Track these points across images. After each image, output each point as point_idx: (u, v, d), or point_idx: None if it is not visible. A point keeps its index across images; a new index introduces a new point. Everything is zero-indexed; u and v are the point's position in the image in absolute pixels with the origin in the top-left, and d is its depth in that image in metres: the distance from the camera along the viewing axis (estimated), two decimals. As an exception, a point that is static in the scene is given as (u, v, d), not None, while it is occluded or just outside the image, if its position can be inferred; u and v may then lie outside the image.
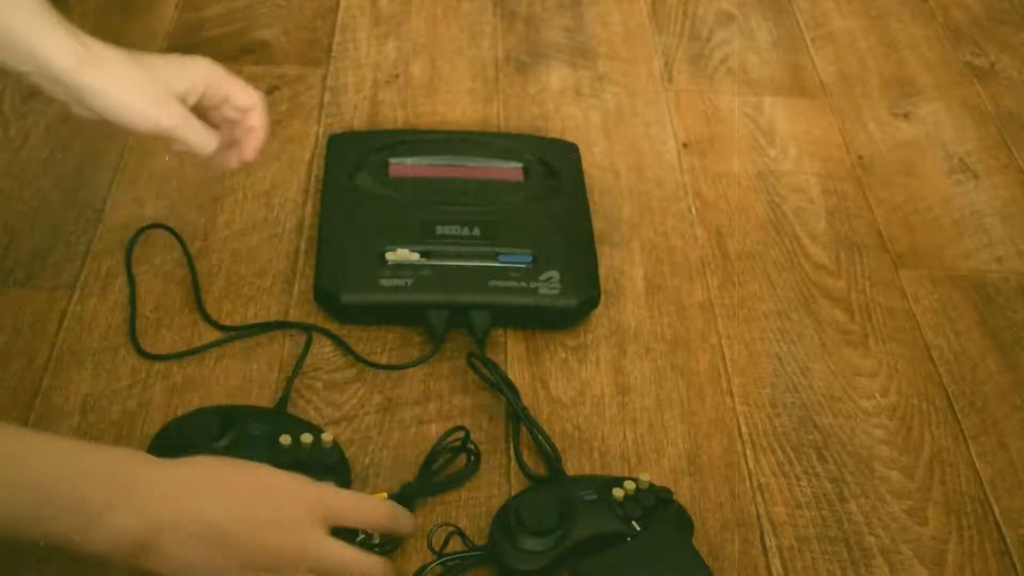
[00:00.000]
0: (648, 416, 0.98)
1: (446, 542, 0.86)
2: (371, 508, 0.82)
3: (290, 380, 0.96)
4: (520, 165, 1.14)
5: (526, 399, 0.97)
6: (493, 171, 1.13)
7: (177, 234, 1.07)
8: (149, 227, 1.08)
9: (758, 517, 0.91)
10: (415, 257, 1.02)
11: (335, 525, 0.78)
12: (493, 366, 0.96)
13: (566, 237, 1.07)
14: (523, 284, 1.01)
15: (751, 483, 0.93)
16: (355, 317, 1.01)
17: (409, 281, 1.00)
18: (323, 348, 1.00)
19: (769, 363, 1.03)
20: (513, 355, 1.01)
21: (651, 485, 0.88)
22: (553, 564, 0.84)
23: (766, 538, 0.90)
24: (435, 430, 0.94)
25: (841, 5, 1.51)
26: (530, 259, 1.03)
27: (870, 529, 0.91)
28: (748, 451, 0.96)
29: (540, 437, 0.93)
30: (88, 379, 0.96)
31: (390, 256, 1.02)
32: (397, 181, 1.11)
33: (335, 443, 0.89)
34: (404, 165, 1.12)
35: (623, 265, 1.11)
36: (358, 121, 1.25)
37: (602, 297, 1.05)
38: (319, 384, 0.97)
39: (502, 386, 0.95)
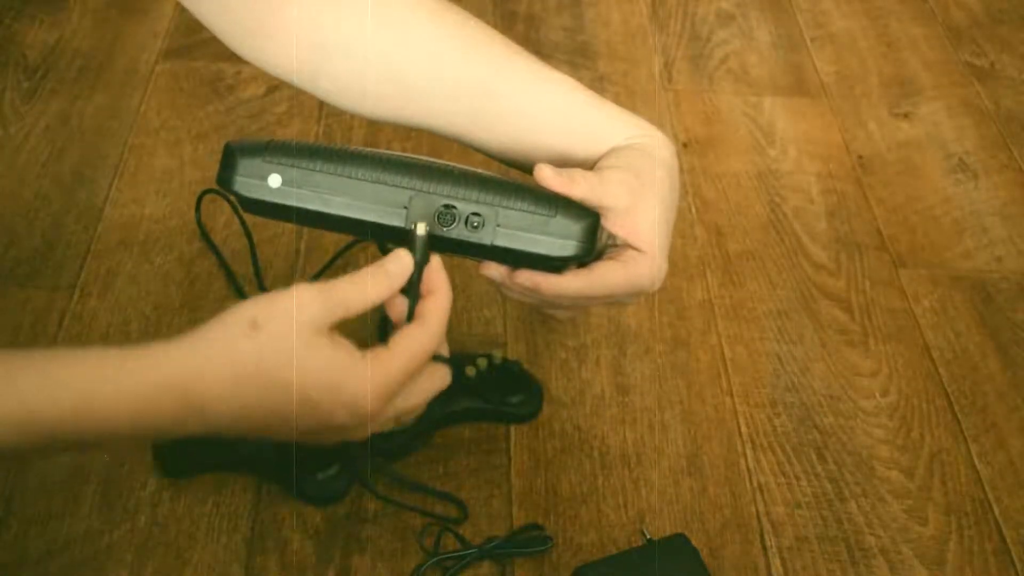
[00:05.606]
0: (648, 416, 0.98)
1: (438, 540, 0.86)
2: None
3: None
4: None
5: (526, 399, 0.97)
6: None
7: (230, 200, 1.04)
8: (210, 191, 1.08)
9: (758, 517, 0.91)
10: None
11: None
12: None
13: None
14: None
15: (751, 483, 0.93)
16: None
17: None
18: (323, 348, 1.00)
19: (769, 363, 1.03)
20: (513, 356, 1.01)
21: (504, 360, 0.94)
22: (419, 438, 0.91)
23: (766, 538, 0.90)
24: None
25: (841, 5, 1.51)
26: None
27: (870, 529, 0.91)
28: (748, 451, 0.96)
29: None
30: (88, 379, 0.96)
31: None
32: None
33: None
34: None
35: (623, 265, 1.11)
36: (358, 121, 1.25)
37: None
38: (319, 384, 0.97)
39: None
